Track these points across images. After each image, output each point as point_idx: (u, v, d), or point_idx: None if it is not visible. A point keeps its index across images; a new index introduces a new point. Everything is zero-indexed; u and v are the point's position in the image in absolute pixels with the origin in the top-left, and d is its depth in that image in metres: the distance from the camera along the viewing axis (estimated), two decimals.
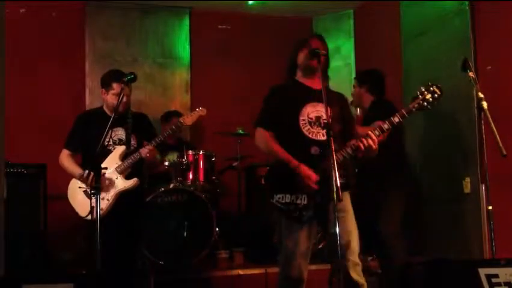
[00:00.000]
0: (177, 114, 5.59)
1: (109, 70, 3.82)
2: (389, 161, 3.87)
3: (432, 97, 2.90)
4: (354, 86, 4.36)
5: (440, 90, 2.92)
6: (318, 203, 2.93)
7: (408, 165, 4.31)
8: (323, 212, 2.92)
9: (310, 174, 2.90)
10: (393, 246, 3.93)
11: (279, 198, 2.98)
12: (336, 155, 2.69)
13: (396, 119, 2.91)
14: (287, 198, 2.96)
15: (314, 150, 2.97)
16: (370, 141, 2.85)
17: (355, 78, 4.53)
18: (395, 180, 4.02)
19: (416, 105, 2.91)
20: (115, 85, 3.61)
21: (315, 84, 3.07)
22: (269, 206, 3.03)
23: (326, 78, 3.14)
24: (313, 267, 4.27)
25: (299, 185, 2.92)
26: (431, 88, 2.92)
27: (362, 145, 2.85)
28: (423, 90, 2.92)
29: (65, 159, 3.73)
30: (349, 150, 2.91)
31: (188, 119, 3.80)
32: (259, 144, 3.13)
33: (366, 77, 4.30)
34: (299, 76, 3.19)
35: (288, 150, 2.98)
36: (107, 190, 3.56)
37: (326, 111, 2.75)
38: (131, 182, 3.62)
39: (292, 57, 3.19)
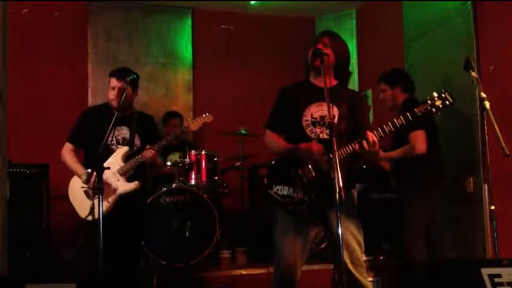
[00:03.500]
0: (174, 114, 5.60)
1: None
2: (421, 162, 3.89)
3: (443, 104, 2.78)
4: (383, 90, 4.23)
5: (452, 98, 2.79)
6: (313, 199, 2.89)
7: (440, 166, 4.16)
8: (322, 211, 2.90)
9: (309, 145, 2.86)
10: (412, 247, 3.93)
11: (278, 189, 2.96)
12: (337, 153, 2.62)
13: (399, 121, 2.79)
14: (285, 190, 2.95)
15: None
16: (371, 140, 2.76)
17: (383, 81, 4.26)
18: (425, 181, 3.99)
19: (422, 110, 2.79)
20: (111, 80, 3.66)
21: (326, 82, 2.92)
22: (268, 200, 3.00)
23: (340, 75, 3.07)
24: (315, 267, 4.30)
25: (297, 178, 2.90)
26: (443, 95, 2.79)
27: (357, 146, 2.81)
28: (434, 96, 2.79)
29: (68, 154, 3.69)
30: (349, 150, 2.85)
31: (193, 125, 3.77)
32: (267, 145, 3.15)
33: (396, 78, 4.22)
34: (311, 76, 3.15)
35: None
36: (107, 192, 3.50)
37: (329, 110, 2.71)
38: (133, 185, 3.60)
39: (304, 58, 3.14)
